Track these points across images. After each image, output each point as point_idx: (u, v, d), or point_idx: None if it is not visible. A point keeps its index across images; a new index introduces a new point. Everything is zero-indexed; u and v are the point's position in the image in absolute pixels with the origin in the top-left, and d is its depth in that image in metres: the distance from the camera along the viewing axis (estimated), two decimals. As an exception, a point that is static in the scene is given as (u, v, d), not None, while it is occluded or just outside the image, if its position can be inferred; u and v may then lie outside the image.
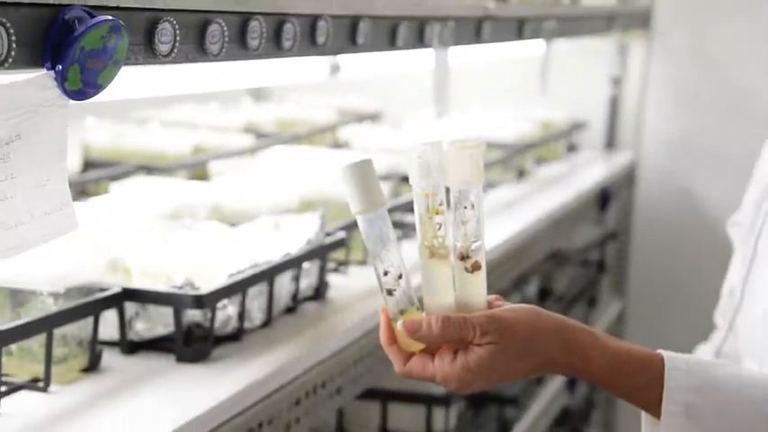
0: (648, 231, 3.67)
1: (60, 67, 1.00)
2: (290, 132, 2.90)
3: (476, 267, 1.16)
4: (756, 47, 3.42)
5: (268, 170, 2.30)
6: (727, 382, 1.19)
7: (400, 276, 1.15)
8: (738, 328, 1.49)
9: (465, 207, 1.16)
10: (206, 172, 2.37)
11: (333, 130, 3.05)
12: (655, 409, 1.17)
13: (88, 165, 2.35)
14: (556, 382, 2.97)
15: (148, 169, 2.30)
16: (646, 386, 1.17)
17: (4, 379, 1.28)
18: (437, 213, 1.15)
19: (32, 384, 1.34)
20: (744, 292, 1.45)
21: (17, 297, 1.38)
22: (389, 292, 1.15)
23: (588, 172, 3.26)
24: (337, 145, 2.93)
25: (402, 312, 1.15)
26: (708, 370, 1.21)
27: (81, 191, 2.19)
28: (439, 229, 1.15)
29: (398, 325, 1.14)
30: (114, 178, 2.21)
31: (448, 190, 1.17)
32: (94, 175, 2.24)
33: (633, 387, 1.18)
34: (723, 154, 3.41)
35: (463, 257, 1.16)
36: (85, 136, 2.46)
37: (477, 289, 1.17)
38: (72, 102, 1.04)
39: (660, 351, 1.20)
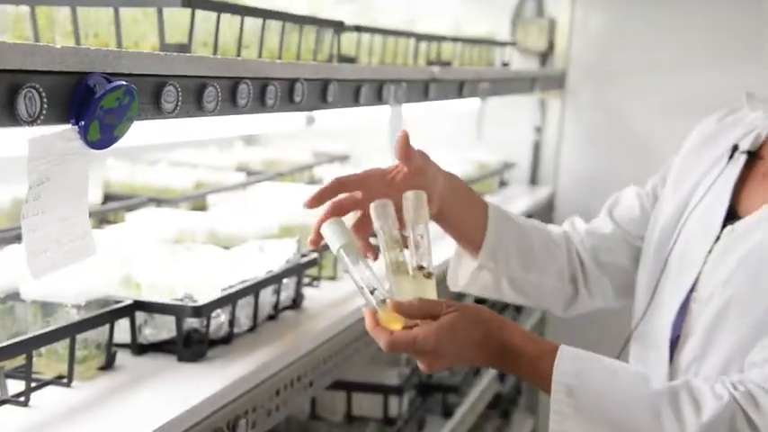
0: (564, 251, 3.68)
1: (83, 122, 1.00)
2: (274, 171, 2.89)
3: (429, 275, 1.28)
4: (647, 102, 3.46)
5: (256, 202, 2.29)
6: (602, 371, 1.23)
7: (374, 289, 1.24)
8: (641, 336, 1.50)
9: (419, 235, 1.30)
10: (205, 203, 2.35)
11: (309, 168, 3.04)
12: (547, 385, 1.21)
13: (108, 197, 2.32)
14: (490, 373, 2.97)
15: (158, 201, 2.28)
16: (540, 360, 1.23)
17: (34, 376, 1.26)
18: (396, 245, 1.29)
19: (58, 380, 1.33)
20: (651, 302, 1.47)
21: (47, 308, 1.37)
22: (372, 292, 1.23)
23: (516, 202, 3.27)
24: (313, 181, 2.93)
25: (383, 302, 1.22)
26: (588, 361, 1.24)
27: (102, 219, 2.17)
28: (399, 253, 1.28)
29: (387, 303, 1.21)
30: (129, 209, 2.18)
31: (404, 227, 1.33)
32: (113, 206, 2.21)
33: (535, 356, 1.23)
34: (622, 187, 3.43)
35: (420, 268, 1.28)
36: (107, 174, 2.44)
37: (431, 290, 1.27)
38: (93, 150, 1.04)
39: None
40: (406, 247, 1.30)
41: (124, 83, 1.02)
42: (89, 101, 0.99)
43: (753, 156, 1.42)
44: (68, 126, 1.00)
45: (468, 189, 1.52)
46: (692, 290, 1.37)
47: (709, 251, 1.37)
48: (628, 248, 1.59)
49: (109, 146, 1.04)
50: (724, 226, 1.37)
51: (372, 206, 1.31)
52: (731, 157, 1.43)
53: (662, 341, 1.41)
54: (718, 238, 1.37)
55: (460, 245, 1.55)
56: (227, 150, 3.12)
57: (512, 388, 3.35)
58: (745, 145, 1.43)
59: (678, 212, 1.47)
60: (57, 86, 0.98)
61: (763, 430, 1.15)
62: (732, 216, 1.38)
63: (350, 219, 1.38)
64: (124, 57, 1.06)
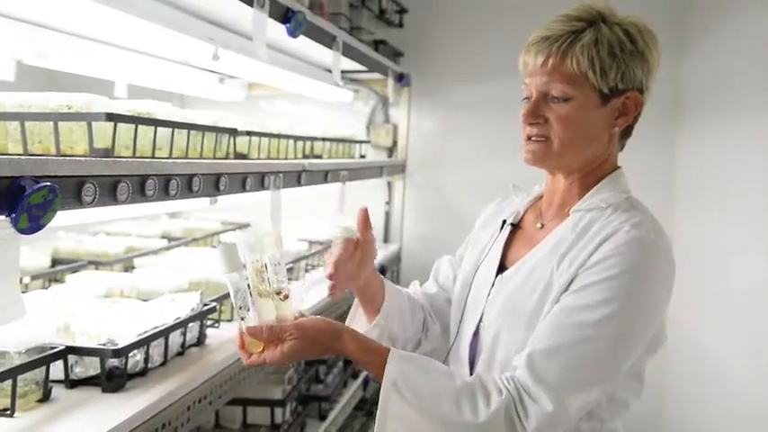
0: (409, 289, 3.71)
1: (14, 215, 0.94)
2: (190, 237, 2.80)
3: (285, 297, 1.24)
4: (461, 183, 3.58)
5: (172, 263, 2.20)
6: (418, 370, 1.23)
7: (248, 309, 1.21)
8: (453, 354, 1.52)
9: (275, 264, 1.24)
10: (133, 265, 2.25)
11: (217, 235, 2.97)
12: (379, 378, 1.22)
13: (56, 261, 2.18)
14: (355, 383, 2.94)
15: (95, 264, 2.17)
16: (379, 365, 1.23)
17: (-19, 411, 1.17)
18: (259, 273, 1.22)
19: (3, 412, 1.23)
20: (458, 331, 1.49)
21: (-5, 355, 1.28)
22: (242, 319, 1.20)
23: (373, 256, 3.29)
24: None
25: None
26: (411, 360, 1.24)
27: (50, 279, 2.04)
28: (262, 281, 1.22)
29: (246, 333, 1.19)
30: (73, 270, 2.07)
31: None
32: (59, 269, 2.09)
33: (371, 361, 1.24)
34: (447, 244, 3.49)
35: (278, 293, 1.23)
36: (56, 243, 2.31)
37: (288, 309, 1.24)
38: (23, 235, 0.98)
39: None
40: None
41: (48, 183, 0.98)
42: (20, 198, 0.94)
43: (515, 226, 1.49)
44: (2, 218, 0.94)
45: (376, 273, 1.54)
46: (480, 321, 1.41)
47: (489, 294, 1.41)
48: (449, 301, 1.62)
49: (36, 232, 0.99)
50: (498, 275, 1.42)
51: (239, 241, 1.23)
52: (502, 228, 1.50)
53: (464, 358, 1.43)
54: (493, 284, 1.41)
55: (363, 307, 1.53)
56: (155, 222, 3.02)
57: (374, 392, 3.32)
58: (510, 219, 1.50)
59: (473, 267, 1.51)
60: (-7, 187, 0.93)
61: (528, 409, 1.18)
62: (503, 268, 1.43)
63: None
64: (50, 162, 1.02)
